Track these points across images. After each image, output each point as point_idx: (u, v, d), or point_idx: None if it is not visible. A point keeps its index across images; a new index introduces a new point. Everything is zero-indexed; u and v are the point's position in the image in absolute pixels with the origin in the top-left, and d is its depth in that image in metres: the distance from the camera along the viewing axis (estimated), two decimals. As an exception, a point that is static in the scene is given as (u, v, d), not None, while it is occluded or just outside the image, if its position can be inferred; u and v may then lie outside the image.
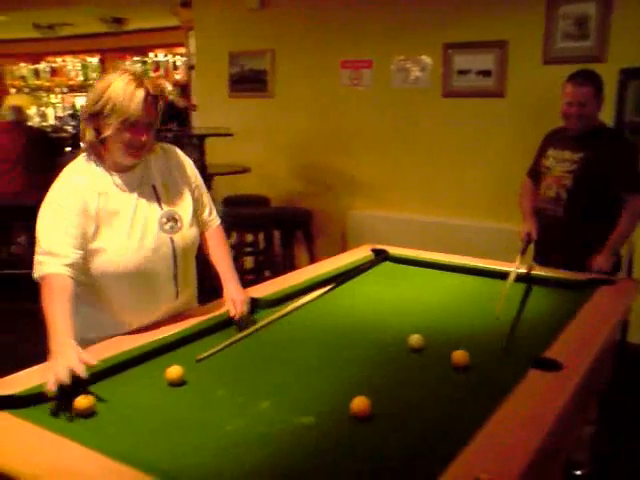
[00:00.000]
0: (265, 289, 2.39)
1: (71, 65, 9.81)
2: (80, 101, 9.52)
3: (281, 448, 1.34)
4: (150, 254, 1.89)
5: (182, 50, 7.69)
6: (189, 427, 1.44)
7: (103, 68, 9.32)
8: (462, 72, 4.19)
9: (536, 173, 3.22)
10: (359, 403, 1.45)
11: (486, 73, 4.10)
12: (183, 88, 7.52)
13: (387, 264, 2.92)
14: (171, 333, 1.91)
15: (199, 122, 5.60)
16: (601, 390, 2.45)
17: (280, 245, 4.79)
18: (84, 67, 9.51)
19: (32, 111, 9.67)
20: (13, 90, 10.13)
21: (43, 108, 9.79)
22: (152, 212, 1.93)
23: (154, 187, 1.96)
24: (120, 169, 1.89)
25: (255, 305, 2.21)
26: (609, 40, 3.73)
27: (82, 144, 1.89)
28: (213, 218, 2.20)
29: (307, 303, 2.33)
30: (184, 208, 2.01)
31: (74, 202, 1.79)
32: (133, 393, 1.60)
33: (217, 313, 2.08)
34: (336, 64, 4.76)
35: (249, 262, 4.62)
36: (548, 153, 3.11)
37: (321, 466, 1.28)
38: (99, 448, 1.27)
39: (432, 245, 3.26)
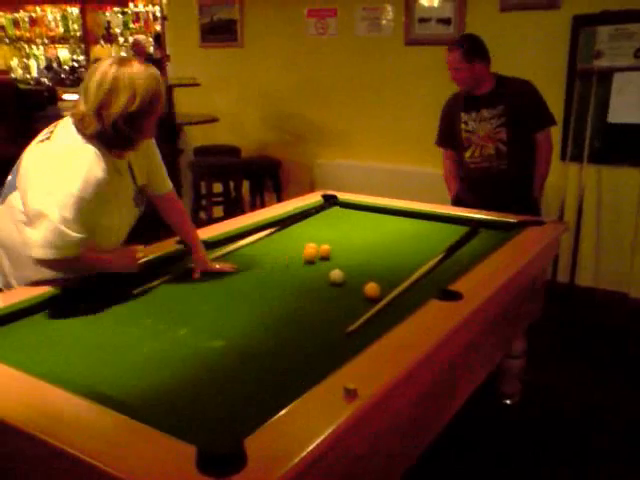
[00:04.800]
0: (210, 231, 2.51)
1: (51, 15, 9.68)
2: (62, 53, 9.46)
3: (188, 365, 1.50)
4: (128, 229, 2.06)
5: (159, 0, 7.61)
6: (110, 349, 1.59)
7: (84, 19, 9.20)
8: (423, 20, 4.22)
9: (452, 140, 3.32)
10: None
11: (446, 21, 4.14)
12: (157, 39, 7.47)
13: (336, 209, 3.05)
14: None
15: (172, 73, 5.62)
16: (527, 324, 2.62)
17: (249, 194, 4.90)
18: (64, 18, 9.39)
19: (14, 63, 9.62)
20: (-8, 39, 10.02)
21: (25, 60, 9.72)
22: (130, 189, 2.02)
23: (130, 165, 2.01)
24: (120, 155, 1.92)
25: (198, 246, 2.35)
26: (562, -13, 3.76)
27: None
28: (167, 181, 2.23)
29: (249, 244, 2.47)
30: (145, 179, 2.10)
31: (95, 197, 1.79)
32: (70, 323, 1.75)
33: (152, 255, 2.21)
34: (302, 13, 4.78)
35: (219, 211, 4.73)
36: (463, 119, 3.22)
37: (221, 381, 1.43)
38: (26, 369, 1.40)
39: (398, 192, 3.38)
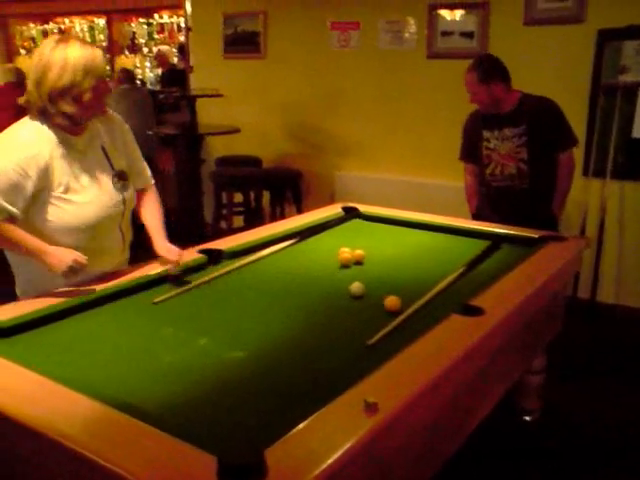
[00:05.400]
0: (231, 241, 2.53)
1: (78, 26, 9.86)
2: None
3: (208, 375, 1.51)
4: (106, 211, 2.05)
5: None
6: (132, 357, 1.61)
7: (110, 30, 9.35)
8: (446, 33, 4.23)
9: (473, 156, 3.32)
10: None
11: (469, 35, 4.14)
12: (181, 50, 7.56)
13: (356, 221, 3.05)
14: (127, 281, 2.07)
15: (196, 83, 5.69)
16: (547, 341, 2.59)
17: (269, 205, 4.93)
18: (91, 29, 9.56)
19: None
20: (23, 51, 10.21)
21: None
22: (105, 171, 2.07)
23: (103, 148, 2.08)
24: (74, 132, 1.98)
25: (220, 256, 2.37)
26: (587, 1, 3.74)
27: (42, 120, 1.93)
28: (149, 177, 2.31)
29: (268, 255, 2.48)
30: (128, 169, 2.16)
31: (21, 168, 1.86)
32: (92, 332, 1.77)
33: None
34: (326, 26, 4.82)
35: (239, 221, 4.76)
36: (485, 136, 3.21)
37: (242, 392, 1.44)
38: (49, 375, 1.42)
39: (418, 205, 3.38)
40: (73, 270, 1.90)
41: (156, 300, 1.97)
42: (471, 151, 3.33)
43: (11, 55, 9.97)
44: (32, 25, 10.07)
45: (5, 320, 1.72)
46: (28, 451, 1.31)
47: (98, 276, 2.07)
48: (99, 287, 1.99)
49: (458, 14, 4.20)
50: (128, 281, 2.06)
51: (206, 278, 2.16)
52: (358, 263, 2.36)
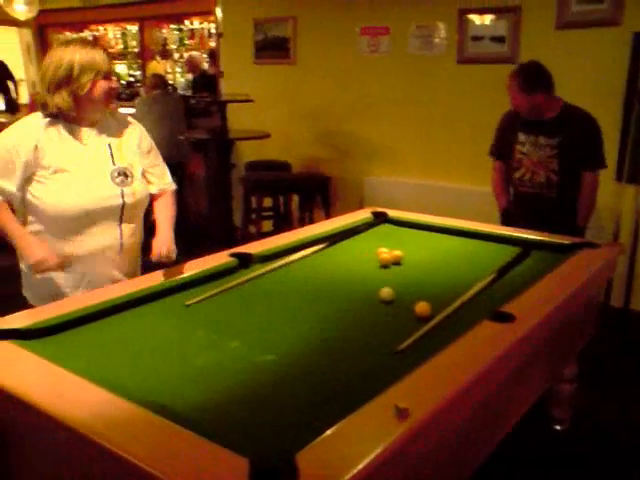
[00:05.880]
0: (261, 245, 2.55)
1: (112, 33, 10.03)
2: (120, 68, 9.77)
3: (240, 378, 1.52)
4: (97, 201, 2.13)
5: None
6: (164, 359, 1.63)
7: (142, 36, 9.50)
8: (476, 38, 4.21)
9: (504, 155, 3.30)
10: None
11: (500, 39, 4.11)
12: (212, 55, 7.64)
13: (386, 226, 3.05)
14: (158, 283, 2.09)
15: (226, 88, 5.75)
16: (579, 348, 2.56)
17: (298, 209, 4.95)
18: (124, 35, 9.72)
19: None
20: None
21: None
22: (105, 164, 2.18)
23: (110, 145, 2.21)
24: (80, 123, 2.15)
25: (250, 260, 2.39)
26: (624, 3, 3.69)
27: (44, 111, 2.11)
28: (168, 183, 2.42)
29: (299, 259, 2.49)
30: (135, 168, 2.25)
31: (15, 150, 2.07)
32: (126, 333, 1.80)
33: (204, 268, 2.25)
34: (355, 31, 4.83)
35: (268, 225, 4.79)
36: (520, 139, 3.18)
37: (273, 396, 1.45)
38: (84, 374, 1.45)
39: (447, 210, 3.37)
40: (41, 266, 2.06)
41: (188, 302, 1.99)
42: (502, 149, 3.30)
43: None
44: (68, 33, 10.28)
45: (41, 321, 1.76)
46: (65, 449, 1.34)
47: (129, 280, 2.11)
48: (131, 289, 2.02)
49: (489, 19, 4.18)
50: (160, 284, 2.09)
51: (237, 282, 2.18)
52: (396, 263, 2.39)
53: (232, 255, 2.37)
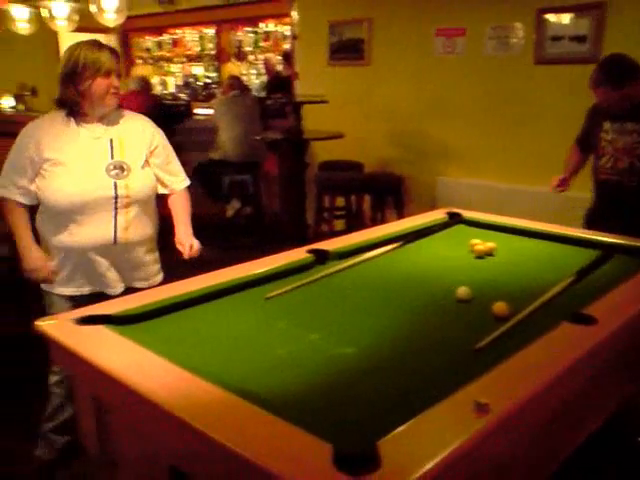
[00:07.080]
0: (337, 242, 2.60)
1: (189, 36, 10.35)
2: (197, 70, 10.08)
3: (321, 369, 1.57)
4: (91, 191, 2.26)
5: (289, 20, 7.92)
6: (247, 349, 1.70)
7: (218, 39, 9.75)
8: (555, 38, 4.12)
9: (587, 144, 3.24)
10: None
11: (581, 39, 4.01)
12: (287, 57, 7.77)
13: (461, 226, 3.04)
14: (241, 276, 2.17)
15: (300, 90, 5.84)
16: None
17: (370, 209, 4.98)
18: (201, 38, 10.01)
19: (155, 80, 10.38)
20: (139, 61, 10.84)
21: (164, 77, 10.46)
22: (102, 159, 2.31)
23: (111, 140, 2.34)
24: (83, 119, 2.32)
25: (327, 256, 2.44)
26: None
27: (59, 103, 2.31)
28: (181, 180, 2.58)
29: (374, 257, 2.52)
30: (135, 163, 2.37)
31: (26, 142, 2.28)
32: (210, 322, 1.89)
33: (282, 263, 2.31)
34: (431, 32, 4.82)
35: (340, 224, 4.84)
36: (605, 127, 3.10)
37: (353, 386, 1.49)
38: (173, 359, 1.53)
39: (520, 213, 3.30)
40: (32, 274, 2.33)
41: (268, 295, 2.06)
42: (585, 139, 3.27)
43: (129, 65, 10.61)
44: (147, 37, 10.69)
45: (133, 308, 1.87)
46: (159, 432, 1.42)
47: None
48: (214, 282, 2.10)
49: (568, 17, 4.08)
50: (240, 277, 2.17)
51: (315, 277, 2.24)
52: (489, 255, 2.51)
53: (309, 251, 2.42)
